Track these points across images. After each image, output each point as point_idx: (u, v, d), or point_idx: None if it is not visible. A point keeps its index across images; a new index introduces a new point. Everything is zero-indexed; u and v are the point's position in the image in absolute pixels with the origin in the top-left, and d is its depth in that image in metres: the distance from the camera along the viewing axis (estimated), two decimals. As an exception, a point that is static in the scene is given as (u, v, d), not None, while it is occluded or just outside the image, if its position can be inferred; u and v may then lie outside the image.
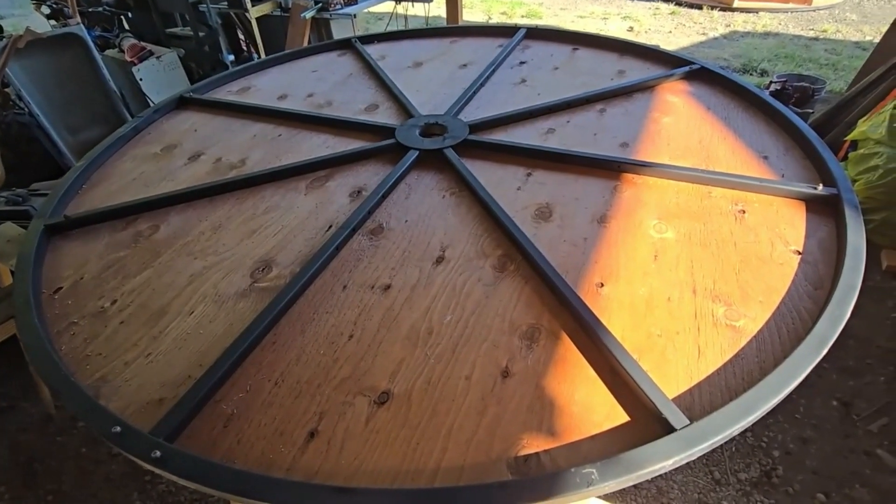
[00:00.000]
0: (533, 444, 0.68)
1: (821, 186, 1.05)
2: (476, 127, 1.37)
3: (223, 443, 0.71)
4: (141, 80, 3.18)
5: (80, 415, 0.74)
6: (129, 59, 3.16)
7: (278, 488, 0.62)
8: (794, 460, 1.67)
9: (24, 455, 1.86)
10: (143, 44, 3.28)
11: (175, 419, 0.72)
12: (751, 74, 4.63)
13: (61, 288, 1.00)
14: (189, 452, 0.67)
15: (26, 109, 2.68)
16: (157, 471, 0.65)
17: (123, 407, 0.77)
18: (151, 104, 3.07)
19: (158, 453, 0.66)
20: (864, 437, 1.72)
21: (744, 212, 1.05)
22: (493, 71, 1.68)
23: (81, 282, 1.02)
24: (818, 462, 1.66)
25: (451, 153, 1.26)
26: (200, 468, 0.65)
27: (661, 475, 0.66)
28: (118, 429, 0.70)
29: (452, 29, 2.15)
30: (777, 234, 0.99)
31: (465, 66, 1.78)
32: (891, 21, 3.16)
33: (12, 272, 1.77)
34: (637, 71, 1.64)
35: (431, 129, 1.39)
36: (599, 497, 1.43)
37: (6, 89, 2.65)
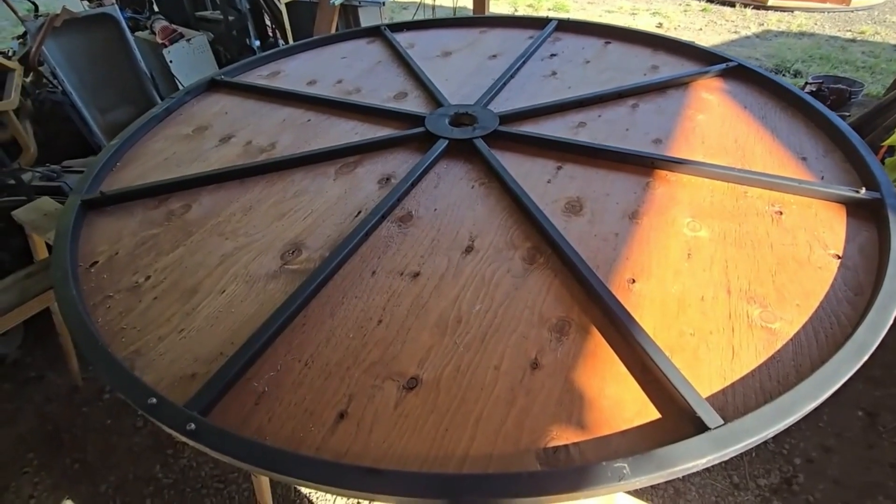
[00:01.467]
0: (562, 437, 0.67)
1: (863, 190, 1.02)
2: (506, 118, 1.36)
3: (254, 420, 0.72)
4: (171, 62, 3.21)
5: (116, 386, 0.76)
6: (159, 41, 3.20)
7: (309, 466, 0.63)
8: (815, 469, 1.64)
9: (51, 424, 1.92)
10: (173, 26, 3.32)
11: (208, 394, 0.73)
12: (784, 75, 4.50)
13: (97, 262, 1.03)
14: (223, 428, 0.68)
15: (59, 88, 2.73)
16: (192, 443, 0.67)
17: (157, 380, 0.79)
18: (180, 86, 3.11)
19: (193, 426, 0.67)
20: (889, 448, 1.68)
21: (781, 213, 1.02)
22: (524, 63, 1.66)
23: (116, 257, 1.04)
24: (840, 472, 1.63)
25: (480, 143, 1.25)
26: (234, 443, 0.66)
27: (679, 476, 0.65)
28: (154, 401, 0.71)
29: (482, 19, 2.13)
30: (815, 236, 0.96)
31: (494, 56, 1.76)
32: (936, 23, 3.04)
33: (48, 245, 1.81)
34: (670, 67, 1.60)
35: (461, 118, 1.38)
36: (628, 493, 1.42)
37: (40, 67, 2.71)
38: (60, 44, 2.63)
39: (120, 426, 1.90)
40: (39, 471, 1.78)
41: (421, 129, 1.33)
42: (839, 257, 0.92)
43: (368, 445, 0.68)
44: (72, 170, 2.24)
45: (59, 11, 2.50)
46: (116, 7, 2.79)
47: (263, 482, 1.53)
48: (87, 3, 3.17)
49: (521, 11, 6.53)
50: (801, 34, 5.34)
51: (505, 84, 1.55)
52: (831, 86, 3.26)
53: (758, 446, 1.71)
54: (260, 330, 0.82)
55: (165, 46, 3.16)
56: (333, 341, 0.83)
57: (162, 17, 3.49)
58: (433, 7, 4.51)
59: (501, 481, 0.61)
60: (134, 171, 1.32)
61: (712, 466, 1.73)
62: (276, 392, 0.76)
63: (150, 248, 1.06)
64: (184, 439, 0.67)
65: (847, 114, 3.23)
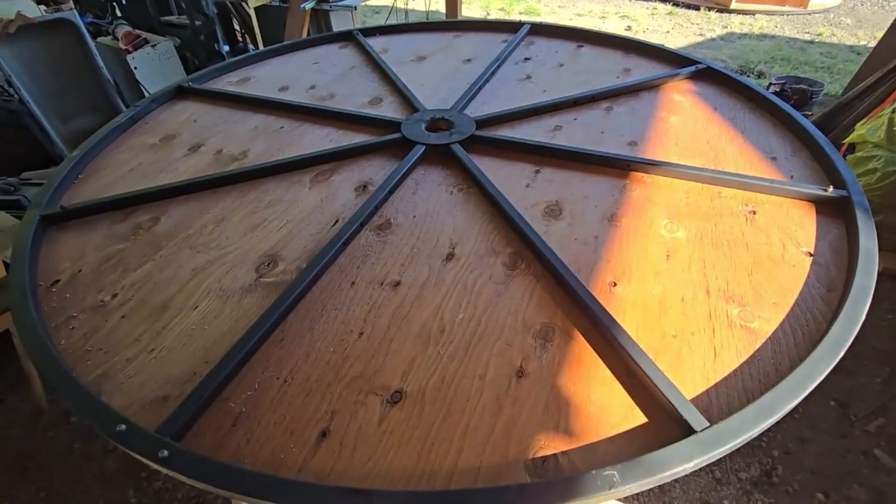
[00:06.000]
0: (550, 446, 0.67)
1: (831, 188, 1.05)
2: (483, 122, 1.35)
3: (231, 442, 0.69)
4: (135, 68, 3.11)
5: (81, 413, 0.72)
6: (123, 47, 3.09)
7: (292, 489, 0.61)
8: (793, 460, 1.68)
9: (14, 451, 1.82)
10: (137, 31, 3.22)
11: (181, 417, 0.70)
12: (748, 76, 4.65)
13: (59, 280, 0.97)
14: (198, 452, 0.65)
15: (16, 96, 2.61)
16: (165, 471, 0.63)
17: (126, 404, 0.75)
18: (146, 93, 3.02)
19: (166, 453, 0.64)
20: (861, 437, 1.74)
21: (754, 212, 1.04)
22: (498, 67, 1.66)
23: (80, 275, 0.99)
24: (817, 462, 1.67)
25: (458, 148, 1.24)
26: (210, 469, 0.63)
27: (667, 480, 0.66)
28: (123, 427, 0.67)
29: (455, 23, 2.12)
30: (788, 235, 0.99)
31: (469, 60, 1.76)
32: (885, 26, 3.18)
33: (5, 263, 1.72)
34: (642, 69, 1.63)
35: (437, 123, 1.37)
36: (619, 500, 1.43)
37: (-5, 75, 2.59)
38: (16, 51, 2.52)
39: (89, 450, 1.81)
40: (2, 501, 1.69)
41: (397, 135, 1.31)
42: (811, 255, 0.94)
43: (352, 464, 0.66)
44: (30, 182, 2.14)
45: (12, 17, 2.39)
46: (75, 12, 2.69)
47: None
48: (45, 7, 3.04)
49: (494, 15, 6.58)
50: (763, 36, 5.52)
51: (480, 88, 1.54)
52: (794, 86, 3.38)
53: (737, 440, 1.75)
54: (235, 347, 0.79)
55: (129, 52, 3.06)
56: (313, 356, 0.80)
57: (125, 22, 3.38)
58: (406, 11, 4.50)
59: (490, 495, 0.59)
60: (97, 183, 1.26)
61: (694, 462, 1.77)
62: (254, 412, 0.73)
63: (115, 264, 1.01)
64: (157, 467, 0.64)
65: (809, 113, 3.35)
